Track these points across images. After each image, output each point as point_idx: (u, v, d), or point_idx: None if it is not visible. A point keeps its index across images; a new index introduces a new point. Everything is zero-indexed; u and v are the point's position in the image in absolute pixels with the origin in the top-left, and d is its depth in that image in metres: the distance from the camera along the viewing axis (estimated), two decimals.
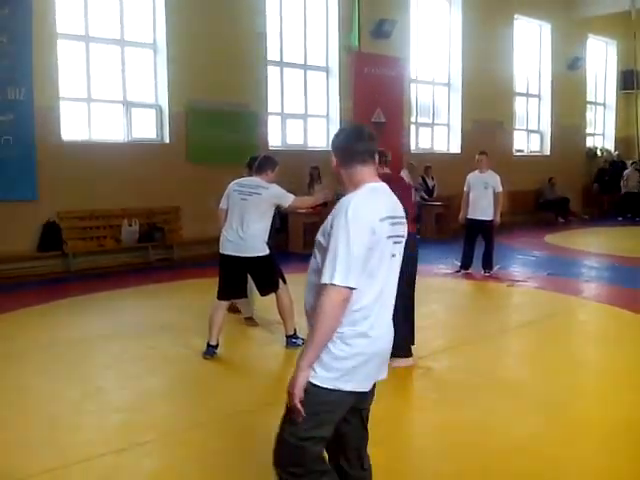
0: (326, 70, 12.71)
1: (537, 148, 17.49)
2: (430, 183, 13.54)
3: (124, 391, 4.55)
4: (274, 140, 11.93)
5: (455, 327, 6.54)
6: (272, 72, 11.83)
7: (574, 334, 6.36)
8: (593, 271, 9.67)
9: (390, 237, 2.32)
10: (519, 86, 16.70)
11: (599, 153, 18.60)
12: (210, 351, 5.22)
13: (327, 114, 12.83)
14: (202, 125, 10.63)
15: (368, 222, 2.24)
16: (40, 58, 9.04)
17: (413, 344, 5.16)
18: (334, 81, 12.71)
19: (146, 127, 10.53)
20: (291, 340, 5.50)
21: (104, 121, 10.10)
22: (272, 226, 5.48)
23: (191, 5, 10.35)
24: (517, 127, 16.75)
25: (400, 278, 2.47)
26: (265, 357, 5.54)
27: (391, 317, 2.44)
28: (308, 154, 12.18)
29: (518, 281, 8.59)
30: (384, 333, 2.38)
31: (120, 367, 5.18)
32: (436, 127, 15.09)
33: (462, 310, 7.41)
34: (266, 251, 5.29)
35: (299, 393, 2.22)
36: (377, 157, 2.50)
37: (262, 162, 5.49)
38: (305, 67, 12.43)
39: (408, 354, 5.08)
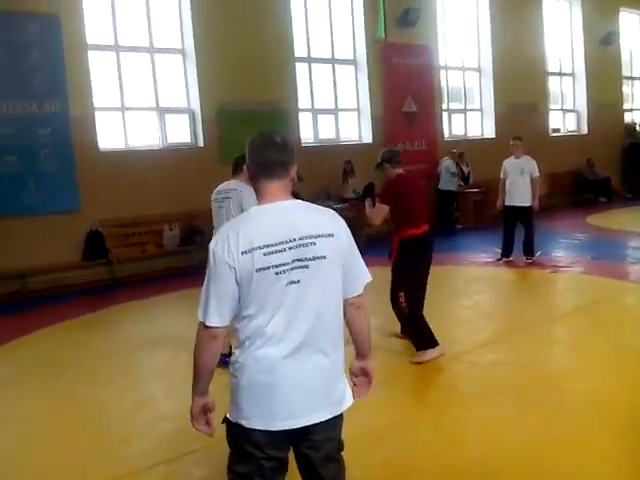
0: (354, 63, 12.65)
1: (574, 127, 17.13)
2: (465, 170, 13.39)
3: (173, 399, 4.59)
4: (306, 136, 11.95)
5: (498, 318, 6.45)
6: (300, 68, 11.83)
7: (622, 321, 6.19)
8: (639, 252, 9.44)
9: (275, 266, 2.10)
10: (552, 66, 16.37)
11: (638, 128, 18.12)
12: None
13: (358, 107, 12.77)
14: (234, 126, 10.66)
15: (222, 257, 2.10)
16: (73, 70, 9.21)
17: (426, 347, 5.00)
18: (363, 73, 12.63)
19: (180, 132, 10.65)
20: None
21: (139, 128, 10.26)
22: None
23: (217, 8, 10.39)
24: (552, 107, 16.43)
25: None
26: None
27: (308, 349, 2.16)
28: (341, 148, 12.18)
29: (562, 267, 8.45)
30: (281, 369, 2.14)
31: (169, 375, 5.26)
32: (469, 113, 14.91)
33: (505, 300, 7.32)
34: None
35: (194, 419, 2.30)
36: (288, 171, 2.21)
37: (237, 161, 5.07)
38: (333, 61, 12.40)
39: (427, 346, 5.01)
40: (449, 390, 4.68)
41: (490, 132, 14.86)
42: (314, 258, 2.14)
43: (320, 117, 12.31)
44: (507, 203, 8.72)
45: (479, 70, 14.83)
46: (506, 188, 8.74)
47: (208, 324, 2.13)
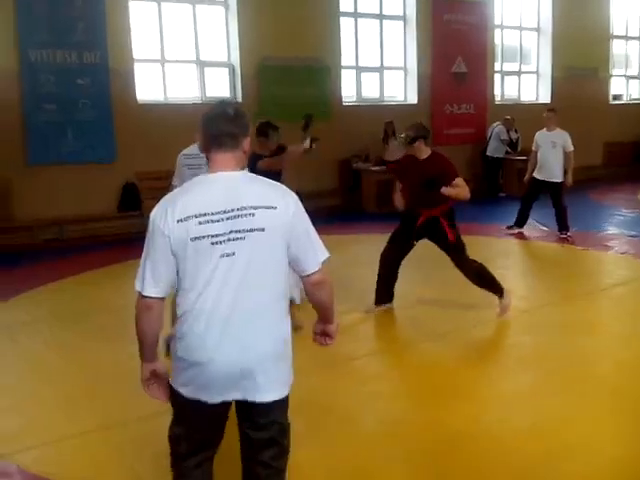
0: (403, 19, 12.21)
1: (638, 95, 16.21)
2: (514, 136, 12.88)
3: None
4: (348, 94, 11.70)
5: (514, 295, 6.22)
6: (346, 23, 11.52)
7: None
8: None
9: (211, 236, 2.06)
10: (617, 28, 15.40)
11: None
12: None
13: (404, 66, 12.38)
14: (274, 81, 10.55)
15: (158, 225, 2.09)
16: (113, 21, 9.22)
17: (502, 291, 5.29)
18: (411, 30, 12.20)
19: (219, 86, 10.60)
20: None
21: (178, 81, 10.25)
22: None
23: None
24: (615, 73, 15.55)
25: None
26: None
27: (239, 325, 2.12)
28: (384, 108, 11.89)
29: (596, 245, 8.06)
30: (213, 344, 2.11)
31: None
32: (523, 75, 14.27)
33: (526, 276, 7.11)
34: None
35: (143, 384, 2.29)
36: (234, 140, 2.18)
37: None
38: (381, 17, 11.99)
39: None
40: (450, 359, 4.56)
41: (545, 97, 14.20)
42: (251, 230, 2.09)
43: (364, 75, 12.00)
44: (536, 176, 8.41)
45: (537, 30, 14.10)
46: (537, 161, 8.39)
47: (144, 294, 2.13)
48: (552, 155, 8.20)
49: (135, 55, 9.61)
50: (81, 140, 9.19)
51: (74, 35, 8.97)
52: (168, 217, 2.07)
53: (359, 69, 11.87)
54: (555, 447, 3.27)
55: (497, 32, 13.47)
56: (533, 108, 13.78)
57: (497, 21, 13.40)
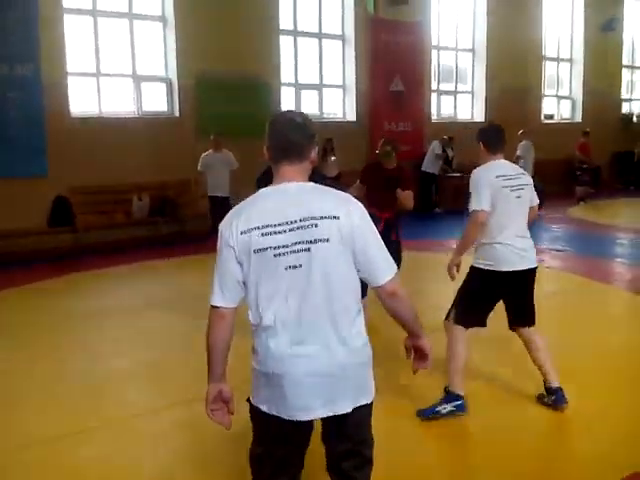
0: (342, 38, 12.42)
1: (568, 115, 16.87)
2: (450, 154, 13.20)
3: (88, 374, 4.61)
4: None
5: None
6: (285, 42, 11.62)
7: (566, 318, 6.07)
8: (613, 248, 9.27)
9: (274, 248, 2.03)
10: (549, 50, 16.04)
11: (635, 119, 17.81)
12: (461, 406, 3.83)
13: (343, 84, 12.57)
14: (212, 97, 10.53)
15: (224, 237, 2.10)
16: (47, 34, 9.07)
17: None
18: (350, 49, 12.42)
19: (156, 101, 10.51)
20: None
21: (114, 95, 10.12)
22: None
23: None
24: (547, 93, 16.15)
25: None
26: None
27: (307, 337, 2.08)
28: (323, 125, 11.97)
29: None
30: (287, 360, 2.09)
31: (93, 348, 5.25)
32: (459, 95, 14.67)
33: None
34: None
35: (207, 406, 2.19)
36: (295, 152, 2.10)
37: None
38: (320, 36, 12.17)
39: None
40: None
41: (480, 115, 14.63)
42: (316, 241, 2.04)
43: (304, 92, 12.12)
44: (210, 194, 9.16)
45: (473, 51, 14.55)
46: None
47: (212, 304, 2.14)
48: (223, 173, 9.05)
49: (69, 68, 9.44)
50: (10, 153, 8.93)
51: (5, 47, 8.76)
52: (234, 228, 2.07)
53: (298, 86, 11.98)
54: None
55: (434, 53, 13.82)
56: (468, 126, 14.21)
57: (434, 42, 13.76)
